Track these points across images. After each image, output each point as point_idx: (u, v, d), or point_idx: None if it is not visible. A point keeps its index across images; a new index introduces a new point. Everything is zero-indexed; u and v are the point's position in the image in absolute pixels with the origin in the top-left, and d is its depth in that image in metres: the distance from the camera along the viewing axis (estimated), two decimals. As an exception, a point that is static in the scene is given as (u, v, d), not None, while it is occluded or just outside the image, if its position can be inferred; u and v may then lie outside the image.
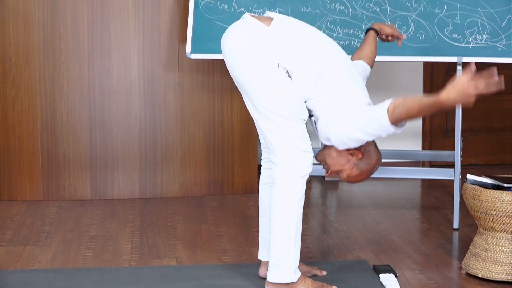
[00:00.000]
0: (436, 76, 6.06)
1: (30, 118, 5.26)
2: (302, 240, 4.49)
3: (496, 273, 3.88)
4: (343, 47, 4.73)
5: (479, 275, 3.91)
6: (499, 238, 3.89)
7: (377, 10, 4.76)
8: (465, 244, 4.44)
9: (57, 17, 5.19)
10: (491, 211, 3.86)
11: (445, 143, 6.10)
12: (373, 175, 5.05)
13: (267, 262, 3.79)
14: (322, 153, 3.63)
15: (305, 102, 3.54)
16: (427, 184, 5.79)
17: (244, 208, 5.18)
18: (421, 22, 4.72)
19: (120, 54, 5.27)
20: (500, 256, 3.87)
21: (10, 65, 5.21)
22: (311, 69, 3.48)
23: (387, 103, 3.39)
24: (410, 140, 6.10)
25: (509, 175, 4.04)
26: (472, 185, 3.97)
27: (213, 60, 5.25)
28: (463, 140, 5.18)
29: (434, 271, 4.05)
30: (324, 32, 4.78)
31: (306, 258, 4.18)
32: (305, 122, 3.56)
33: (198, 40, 4.82)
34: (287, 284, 3.64)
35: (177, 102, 5.35)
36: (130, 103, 5.33)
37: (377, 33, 4.03)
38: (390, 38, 4.06)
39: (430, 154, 5.44)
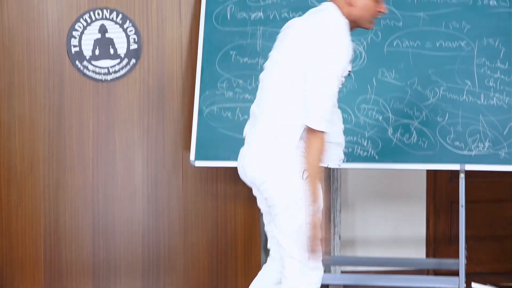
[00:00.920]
0: (440, 184, 6.07)
1: (33, 224, 5.25)
2: None
3: None
4: (346, 154, 4.77)
5: None
6: None
7: (380, 118, 4.81)
8: None
9: (62, 124, 5.25)
10: (497, 319, 3.81)
11: (449, 251, 6.06)
12: (377, 283, 5.01)
13: None
14: None
15: None
16: (432, 293, 5.73)
17: (247, 316, 5.11)
18: (423, 130, 4.76)
19: (125, 161, 5.31)
20: None
21: (15, 172, 5.24)
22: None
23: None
24: (414, 247, 6.07)
25: (514, 283, 4.01)
26: (477, 293, 3.94)
27: (217, 167, 5.28)
28: (467, 248, 5.15)
29: None
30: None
31: None
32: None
33: (202, 148, 4.86)
34: None
35: (180, 209, 5.35)
36: (133, 210, 5.33)
37: None
38: None
39: (434, 262, 5.40)
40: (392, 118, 4.81)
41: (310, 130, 3.49)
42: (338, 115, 3.76)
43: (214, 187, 5.38)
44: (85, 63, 5.23)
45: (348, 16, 3.62)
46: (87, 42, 5.22)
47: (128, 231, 5.33)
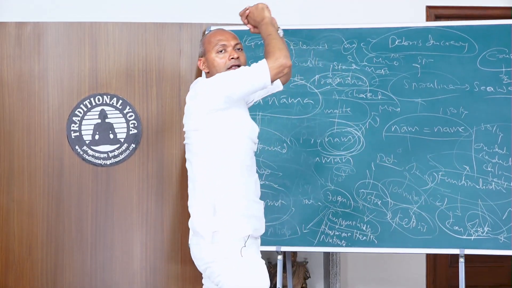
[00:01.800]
0: (439, 268, 6.05)
1: (30, 310, 5.22)
2: None
3: None
4: (345, 238, 4.78)
5: None
6: None
7: (379, 203, 4.82)
8: None
9: (61, 208, 5.25)
10: None
11: None
12: None
13: None
14: None
15: None
16: None
17: None
18: (422, 214, 4.77)
19: (123, 246, 5.29)
20: None
21: (13, 256, 5.21)
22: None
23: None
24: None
25: None
26: None
27: (215, 251, 5.25)
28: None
29: None
30: (326, 224, 4.83)
31: None
32: None
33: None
34: None
35: (179, 294, 5.32)
36: (131, 295, 5.30)
37: None
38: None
39: None
40: (391, 203, 4.81)
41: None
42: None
43: (212, 271, 5.35)
44: (84, 148, 5.25)
45: None
46: (87, 127, 5.25)
47: (126, 316, 5.29)
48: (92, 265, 5.27)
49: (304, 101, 5.00)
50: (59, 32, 5.28)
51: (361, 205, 4.84)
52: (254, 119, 4.99)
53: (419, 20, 5.98)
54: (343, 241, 4.81)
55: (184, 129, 3.70)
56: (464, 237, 4.71)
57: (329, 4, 5.98)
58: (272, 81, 3.50)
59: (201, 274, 3.58)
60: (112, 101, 5.27)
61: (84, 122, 5.26)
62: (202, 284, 3.73)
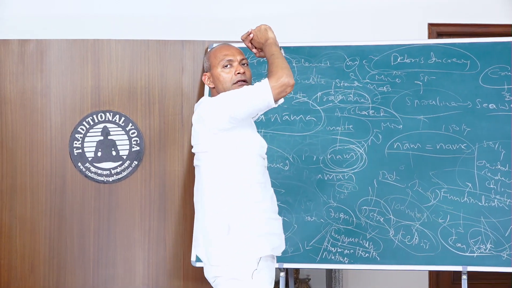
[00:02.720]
0: (442, 285, 6.04)
1: (32, 327, 5.21)
2: None
3: None
4: (347, 255, 4.78)
5: None
6: None
7: (381, 220, 4.82)
8: None
9: (63, 225, 5.25)
10: None
11: None
12: None
13: None
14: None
15: None
16: None
17: None
18: (425, 231, 4.76)
19: (125, 263, 5.28)
20: None
21: (15, 273, 5.21)
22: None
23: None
24: None
25: None
26: None
27: (218, 268, 5.25)
28: None
29: None
30: (328, 241, 4.82)
31: None
32: None
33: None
34: None
35: (181, 311, 5.31)
36: (133, 312, 5.29)
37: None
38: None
39: None
40: (393, 220, 4.81)
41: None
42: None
43: (215, 288, 5.34)
44: (87, 165, 5.26)
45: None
46: (90, 144, 5.26)
47: (128, 334, 5.28)
48: (94, 282, 5.26)
49: (307, 118, 5.00)
50: (61, 49, 5.30)
51: (363, 222, 4.83)
52: (257, 136, 5.00)
53: (421, 38, 6.00)
54: (345, 258, 4.81)
55: (193, 151, 3.69)
56: (467, 254, 4.71)
57: (332, 22, 6.00)
58: (275, 101, 3.50)
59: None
60: (115, 118, 5.28)
61: (86, 139, 5.26)
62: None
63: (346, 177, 4.90)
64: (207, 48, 5.27)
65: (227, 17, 5.90)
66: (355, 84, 5.02)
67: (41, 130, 5.27)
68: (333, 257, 4.82)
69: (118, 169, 5.28)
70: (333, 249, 4.83)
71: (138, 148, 5.28)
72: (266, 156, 3.72)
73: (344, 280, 5.81)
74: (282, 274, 4.89)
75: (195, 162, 3.67)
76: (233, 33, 5.23)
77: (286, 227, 4.81)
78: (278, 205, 4.84)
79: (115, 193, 5.29)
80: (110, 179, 5.28)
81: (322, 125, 4.99)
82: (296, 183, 4.93)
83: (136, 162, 5.28)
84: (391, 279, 5.95)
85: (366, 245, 4.80)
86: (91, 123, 5.27)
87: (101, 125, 5.27)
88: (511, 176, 4.74)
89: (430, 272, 6.02)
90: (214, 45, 5.23)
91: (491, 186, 4.76)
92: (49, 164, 5.26)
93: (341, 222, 4.85)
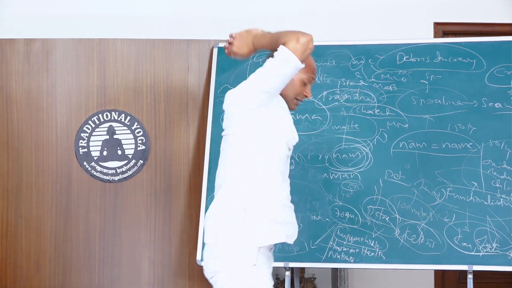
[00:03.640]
0: (447, 284, 6.03)
1: (38, 326, 5.22)
2: None
3: None
4: (353, 255, 4.78)
5: None
6: None
7: (387, 219, 4.81)
8: None
9: (69, 225, 5.25)
10: None
11: None
12: None
13: None
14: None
15: None
16: None
17: None
18: (430, 230, 4.76)
19: (131, 262, 5.29)
20: None
21: (21, 272, 5.22)
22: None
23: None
24: None
25: None
26: None
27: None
28: None
29: None
30: (334, 240, 4.82)
31: None
32: None
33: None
34: None
35: (186, 310, 5.32)
36: (139, 311, 5.30)
37: None
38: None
39: None
40: (399, 219, 4.81)
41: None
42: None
43: (220, 287, 5.34)
44: (93, 164, 5.26)
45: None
46: (95, 143, 5.27)
47: (134, 333, 5.29)
48: (100, 281, 5.27)
49: (312, 118, 5.00)
50: (67, 49, 5.30)
51: (369, 221, 4.83)
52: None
53: (427, 37, 5.99)
54: (351, 257, 4.81)
55: (222, 134, 3.67)
56: (473, 253, 4.70)
57: (337, 21, 6.00)
58: (302, 61, 3.48)
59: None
60: (120, 117, 5.28)
61: (92, 138, 5.27)
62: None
63: (351, 176, 4.90)
64: (213, 47, 5.27)
65: (233, 16, 5.90)
66: (360, 83, 5.02)
67: (46, 129, 5.27)
68: (338, 256, 4.82)
69: (124, 168, 5.28)
70: (338, 248, 4.83)
71: (143, 147, 5.29)
72: (293, 148, 3.71)
73: (349, 279, 5.81)
74: (288, 273, 4.89)
75: (222, 145, 3.65)
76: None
77: (291, 226, 4.81)
78: (284, 204, 4.86)
79: (120, 192, 5.29)
80: (116, 178, 5.28)
81: (327, 124, 4.98)
82: (301, 182, 4.93)
83: (141, 161, 5.29)
84: (396, 278, 5.95)
85: (372, 244, 4.80)
86: (97, 122, 5.28)
87: (107, 124, 5.28)
88: (517, 175, 4.74)
89: (436, 272, 6.01)
90: (220, 44, 5.23)
91: (497, 185, 4.75)
92: (54, 163, 5.27)
93: (347, 221, 4.85)
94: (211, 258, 3.55)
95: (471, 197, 4.76)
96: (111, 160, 5.28)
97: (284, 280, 5.24)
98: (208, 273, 3.60)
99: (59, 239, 5.25)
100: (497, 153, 4.78)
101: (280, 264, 4.83)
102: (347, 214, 4.86)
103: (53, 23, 5.81)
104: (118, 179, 5.29)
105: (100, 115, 5.28)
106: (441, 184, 4.80)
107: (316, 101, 5.02)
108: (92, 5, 5.96)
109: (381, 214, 4.83)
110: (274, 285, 3.66)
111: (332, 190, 4.90)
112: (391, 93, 4.96)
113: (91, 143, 5.27)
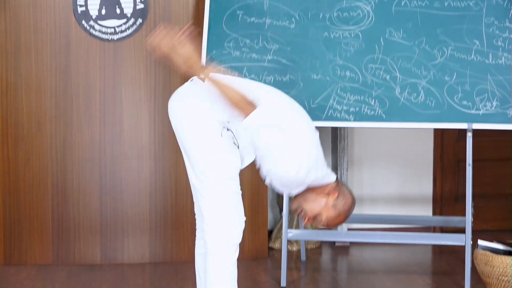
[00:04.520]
0: (447, 143, 6.08)
1: (40, 183, 5.28)
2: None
3: None
4: (353, 113, 4.79)
5: None
6: (512, 306, 3.86)
7: (387, 78, 4.80)
8: (478, 312, 4.41)
9: (69, 84, 5.24)
10: (503, 277, 3.85)
11: (455, 209, 6.09)
12: (384, 241, 5.05)
13: None
14: (296, 200, 3.59)
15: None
16: (438, 250, 5.77)
17: (255, 273, 5.16)
18: (431, 89, 4.75)
19: (132, 120, 5.31)
20: (513, 325, 3.84)
21: (22, 131, 5.25)
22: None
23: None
24: (421, 205, 6.10)
25: (521, 242, 4.03)
26: (483, 251, 3.97)
27: (224, 126, 5.28)
28: (474, 206, 5.17)
29: None
30: (334, 99, 4.82)
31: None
32: (240, 194, 3.57)
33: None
34: None
35: (187, 167, 5.36)
36: (140, 168, 5.35)
37: None
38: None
39: (440, 220, 5.43)
40: (399, 78, 4.80)
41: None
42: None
43: (221, 145, 5.38)
44: (91, 23, 5.21)
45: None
46: (93, 2, 5.19)
47: (136, 189, 5.36)
48: (101, 140, 5.31)
49: (313, -25, 4.92)
50: None
51: (369, 80, 4.82)
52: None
53: None
54: (351, 116, 4.82)
55: None
56: (473, 111, 4.72)
57: None
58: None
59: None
60: (118, -26, 5.20)
61: (90, -4, 5.20)
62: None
63: (352, 35, 4.86)
64: None
65: None
66: None
67: (43, -13, 5.20)
68: (338, 115, 4.84)
69: (123, 27, 5.23)
70: (339, 107, 4.84)
71: (142, 6, 5.22)
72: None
73: (349, 138, 5.85)
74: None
75: None
76: None
77: (291, 85, 4.81)
78: (284, 63, 4.85)
79: (120, 51, 5.26)
80: (115, 37, 5.24)
81: (328, -18, 4.90)
82: (302, 40, 4.89)
83: (140, 20, 5.23)
84: (396, 136, 5.99)
85: (372, 103, 4.80)
86: (94, -21, 5.20)
87: (105, -18, 5.20)
88: (519, 34, 4.70)
89: (435, 130, 6.05)
90: None
91: (499, 43, 4.72)
92: (53, 23, 5.21)
93: (347, 80, 4.84)
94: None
95: (472, 56, 4.74)
96: (110, 19, 5.21)
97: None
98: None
99: (59, 99, 5.26)
100: (500, 10, 4.71)
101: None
102: (347, 73, 4.85)
103: None
104: (117, 38, 5.24)
105: (97, -27, 5.20)
106: (442, 42, 4.77)
107: (317, -43, 4.92)
108: None
109: (381, 72, 4.82)
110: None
111: (332, 49, 4.86)
112: (394, -51, 4.86)
113: (89, 1, 5.19)
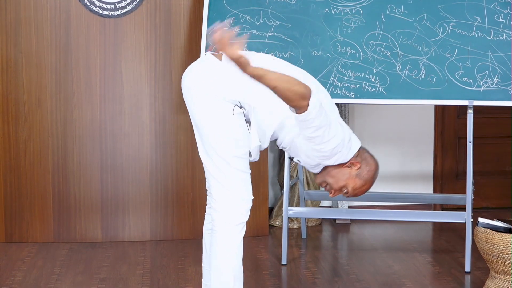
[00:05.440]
0: (447, 120, 6.07)
1: (41, 160, 5.28)
2: (313, 283, 4.48)
3: (509, 317, 3.85)
4: (354, 90, 4.78)
5: (492, 320, 3.88)
6: (512, 282, 3.86)
7: (388, 54, 4.79)
8: (477, 288, 4.42)
9: (69, 61, 5.23)
10: (503, 255, 3.85)
11: (456, 186, 6.09)
12: (384, 218, 5.06)
13: None
14: (320, 175, 3.59)
15: (276, 140, 3.58)
16: (439, 227, 5.77)
17: (255, 251, 5.17)
18: (432, 66, 4.74)
19: (132, 97, 5.31)
20: (513, 300, 3.85)
21: (23, 108, 5.24)
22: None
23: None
24: (421, 183, 6.10)
25: (521, 219, 4.03)
26: (483, 229, 3.96)
27: (224, 103, 5.27)
28: (475, 183, 5.17)
29: (447, 315, 4.03)
30: (335, 75, 4.81)
31: (318, 302, 4.16)
32: (249, 173, 3.56)
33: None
34: None
35: (188, 144, 5.36)
36: (141, 146, 5.35)
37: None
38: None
39: (441, 197, 5.43)
40: (400, 54, 4.79)
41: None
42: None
43: (221, 122, 5.38)
44: (91, -2, 5.20)
45: None
46: (93, -22, 5.18)
47: (136, 167, 5.36)
48: (101, 117, 5.30)
49: (314, -50, 4.90)
50: None
51: (370, 57, 4.81)
52: (262, -31, 4.91)
53: None
54: (352, 93, 4.82)
55: None
56: (473, 88, 4.71)
57: None
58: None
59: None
60: (118, -50, 5.18)
61: (90, -28, 5.18)
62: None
63: (353, 11, 4.84)
64: None
65: None
66: None
67: (43, -37, 5.18)
68: (339, 92, 4.83)
69: (123, 3, 5.21)
70: (339, 83, 4.83)
71: (142, -19, 5.21)
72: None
73: (350, 114, 5.84)
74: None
75: None
76: None
77: (292, 61, 4.79)
78: (285, 39, 4.83)
79: (120, 27, 5.25)
80: (115, 13, 5.22)
81: (329, -42, 4.88)
82: (302, 17, 4.87)
83: (140, -4, 5.22)
84: (397, 113, 5.98)
85: (373, 80, 4.79)
86: (94, -45, 5.18)
87: (104, -42, 5.18)
88: (521, 10, 4.68)
89: (436, 107, 6.04)
90: None
91: (500, 20, 4.70)
92: (52, -2, 5.21)
93: (348, 57, 4.83)
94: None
95: (473, 32, 4.72)
96: (110, -5, 5.21)
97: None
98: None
99: (59, 75, 5.25)
100: (501, -14, 4.70)
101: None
102: (348, 50, 4.83)
103: None
104: (118, 14, 5.22)
105: (97, -52, 5.18)
106: (443, 18, 4.75)
107: None
108: None
109: (382, 49, 4.80)
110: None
111: (333, 25, 4.85)
112: None
113: (89, -22, 5.18)
